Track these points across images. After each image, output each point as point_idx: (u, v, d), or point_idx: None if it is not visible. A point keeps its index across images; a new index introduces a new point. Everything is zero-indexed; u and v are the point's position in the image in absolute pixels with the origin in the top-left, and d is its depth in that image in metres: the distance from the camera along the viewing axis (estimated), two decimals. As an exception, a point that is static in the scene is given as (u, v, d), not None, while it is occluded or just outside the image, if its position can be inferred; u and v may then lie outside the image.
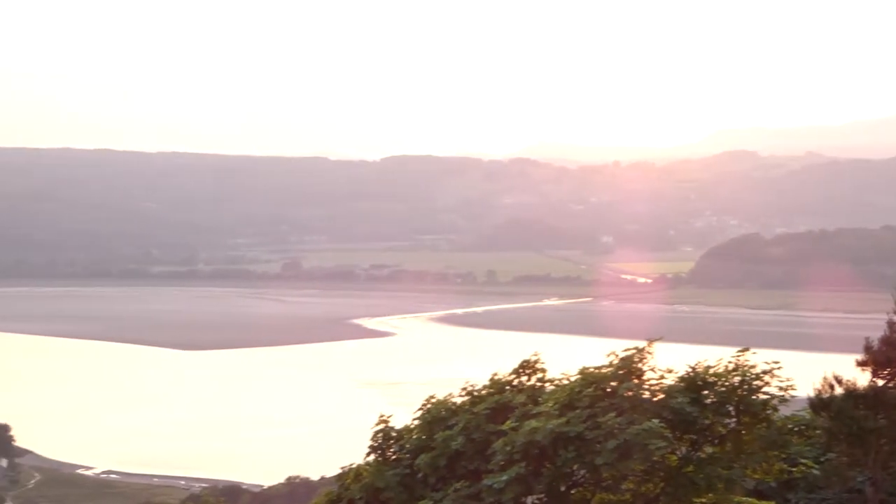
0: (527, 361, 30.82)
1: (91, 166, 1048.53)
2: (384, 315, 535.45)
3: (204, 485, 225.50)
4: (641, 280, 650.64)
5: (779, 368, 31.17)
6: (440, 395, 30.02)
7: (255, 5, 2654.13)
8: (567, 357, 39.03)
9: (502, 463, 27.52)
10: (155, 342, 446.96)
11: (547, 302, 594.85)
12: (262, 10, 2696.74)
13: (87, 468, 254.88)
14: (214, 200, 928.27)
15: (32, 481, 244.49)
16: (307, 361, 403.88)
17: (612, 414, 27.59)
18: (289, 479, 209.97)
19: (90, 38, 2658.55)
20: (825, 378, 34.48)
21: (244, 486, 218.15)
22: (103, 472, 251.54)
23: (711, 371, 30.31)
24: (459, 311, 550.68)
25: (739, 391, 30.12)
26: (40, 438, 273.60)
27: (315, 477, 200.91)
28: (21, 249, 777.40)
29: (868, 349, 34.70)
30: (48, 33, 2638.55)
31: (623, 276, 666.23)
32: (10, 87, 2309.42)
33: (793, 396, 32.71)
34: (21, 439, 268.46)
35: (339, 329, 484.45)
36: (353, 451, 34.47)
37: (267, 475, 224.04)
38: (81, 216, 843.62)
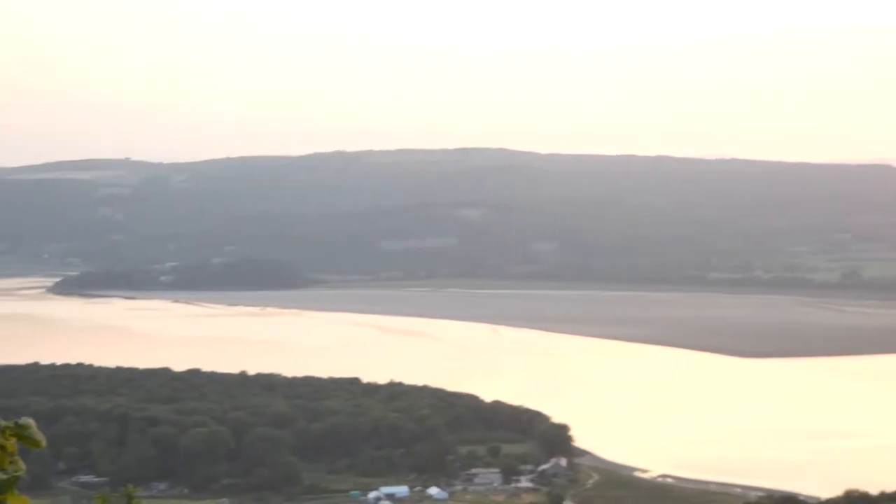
0: None
1: (651, 173, 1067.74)
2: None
3: (759, 493, 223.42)
4: None
5: None
6: None
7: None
8: None
9: None
10: (712, 348, 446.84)
11: None
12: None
13: (644, 471, 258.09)
14: (772, 207, 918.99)
15: (590, 481, 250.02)
16: (868, 373, 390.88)
17: None
18: (847, 492, 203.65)
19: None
20: None
21: (801, 497, 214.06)
22: (659, 476, 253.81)
23: None
24: None
25: None
26: (599, 440, 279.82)
27: (874, 491, 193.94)
28: (586, 254, 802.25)
29: None
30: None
31: None
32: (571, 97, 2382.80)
33: None
34: (580, 440, 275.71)
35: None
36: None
37: (825, 487, 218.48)
38: (642, 222, 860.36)
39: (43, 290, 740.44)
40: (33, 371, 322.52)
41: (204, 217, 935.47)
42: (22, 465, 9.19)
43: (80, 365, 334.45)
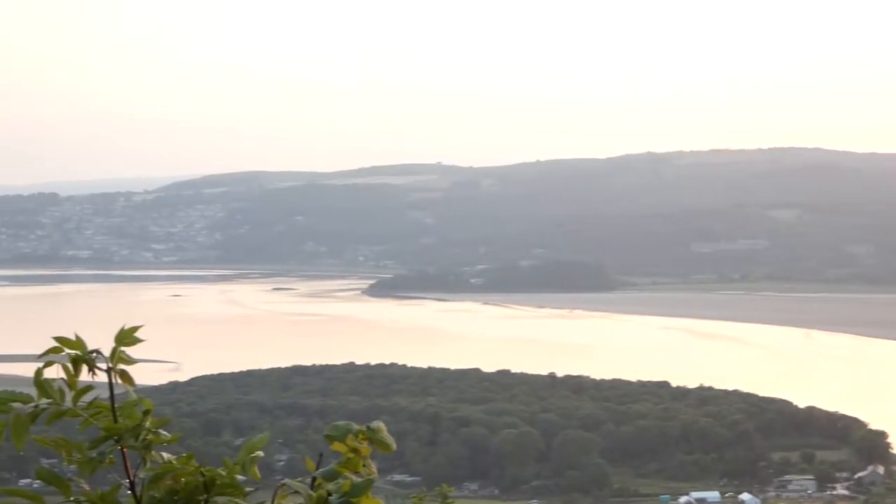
0: None
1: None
2: None
3: None
4: None
5: None
6: None
7: None
8: None
9: None
10: None
11: None
12: None
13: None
14: None
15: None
16: None
17: None
18: None
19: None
20: None
21: None
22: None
23: None
24: None
25: None
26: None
27: None
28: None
29: None
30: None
31: None
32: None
33: None
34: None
35: None
36: None
37: None
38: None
39: (358, 291, 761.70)
40: (349, 371, 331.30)
41: (513, 220, 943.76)
42: (374, 468, 9.16)
43: (393, 365, 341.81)
